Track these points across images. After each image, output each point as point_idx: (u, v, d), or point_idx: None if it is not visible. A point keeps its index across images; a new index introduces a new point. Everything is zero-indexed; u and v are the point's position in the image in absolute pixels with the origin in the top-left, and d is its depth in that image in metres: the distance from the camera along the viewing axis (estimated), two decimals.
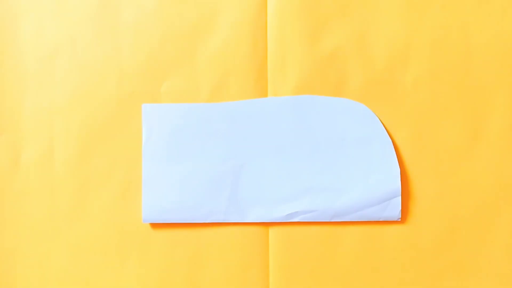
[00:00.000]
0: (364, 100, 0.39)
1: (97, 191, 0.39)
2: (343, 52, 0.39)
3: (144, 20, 0.39)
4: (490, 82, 0.38)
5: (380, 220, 0.38)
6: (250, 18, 0.39)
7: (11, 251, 0.39)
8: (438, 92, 0.38)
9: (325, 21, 0.39)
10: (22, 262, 0.39)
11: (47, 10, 0.39)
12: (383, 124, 0.38)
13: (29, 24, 0.39)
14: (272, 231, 0.39)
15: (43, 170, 0.39)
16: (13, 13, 0.39)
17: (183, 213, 0.38)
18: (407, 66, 0.39)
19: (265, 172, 0.38)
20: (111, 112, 0.39)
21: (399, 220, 0.38)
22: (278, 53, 0.39)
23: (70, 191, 0.39)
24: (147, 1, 0.39)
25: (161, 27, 0.39)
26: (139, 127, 0.39)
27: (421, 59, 0.39)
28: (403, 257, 0.38)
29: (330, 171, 0.38)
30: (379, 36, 0.39)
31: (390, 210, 0.38)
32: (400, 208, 0.38)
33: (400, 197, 0.38)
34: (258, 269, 0.38)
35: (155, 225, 0.39)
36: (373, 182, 0.38)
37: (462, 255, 0.38)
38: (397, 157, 0.38)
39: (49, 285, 0.39)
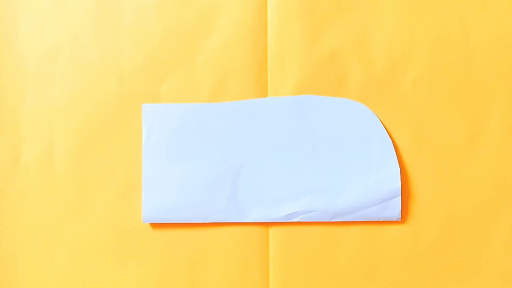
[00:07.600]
0: (364, 100, 0.39)
1: (97, 191, 0.39)
2: (343, 52, 0.39)
3: (144, 20, 0.39)
4: (490, 82, 0.38)
5: (380, 220, 0.38)
6: (250, 18, 0.39)
7: (11, 251, 0.39)
8: (438, 92, 0.38)
9: (325, 21, 0.39)
10: (22, 262, 0.39)
11: (47, 10, 0.39)
12: (383, 124, 0.38)
13: (29, 24, 0.39)
14: (272, 231, 0.39)
15: (43, 170, 0.39)
16: (13, 13, 0.39)
17: (183, 213, 0.38)
18: (407, 66, 0.39)
19: (265, 172, 0.38)
20: (111, 112, 0.39)
21: (399, 220, 0.38)
22: (278, 53, 0.39)
23: (70, 191, 0.39)
24: (147, 1, 0.39)
25: (161, 27, 0.39)
26: (139, 127, 0.39)
27: (421, 59, 0.39)
28: (403, 257, 0.38)
29: (330, 171, 0.38)
30: (379, 36, 0.39)
31: (390, 210, 0.38)
32: (400, 208, 0.38)
33: (400, 197, 0.38)
34: (258, 269, 0.38)
35: (155, 225, 0.39)
36: (373, 182, 0.38)
37: (462, 255, 0.38)
38: (397, 157, 0.38)
39: (49, 285, 0.39)
